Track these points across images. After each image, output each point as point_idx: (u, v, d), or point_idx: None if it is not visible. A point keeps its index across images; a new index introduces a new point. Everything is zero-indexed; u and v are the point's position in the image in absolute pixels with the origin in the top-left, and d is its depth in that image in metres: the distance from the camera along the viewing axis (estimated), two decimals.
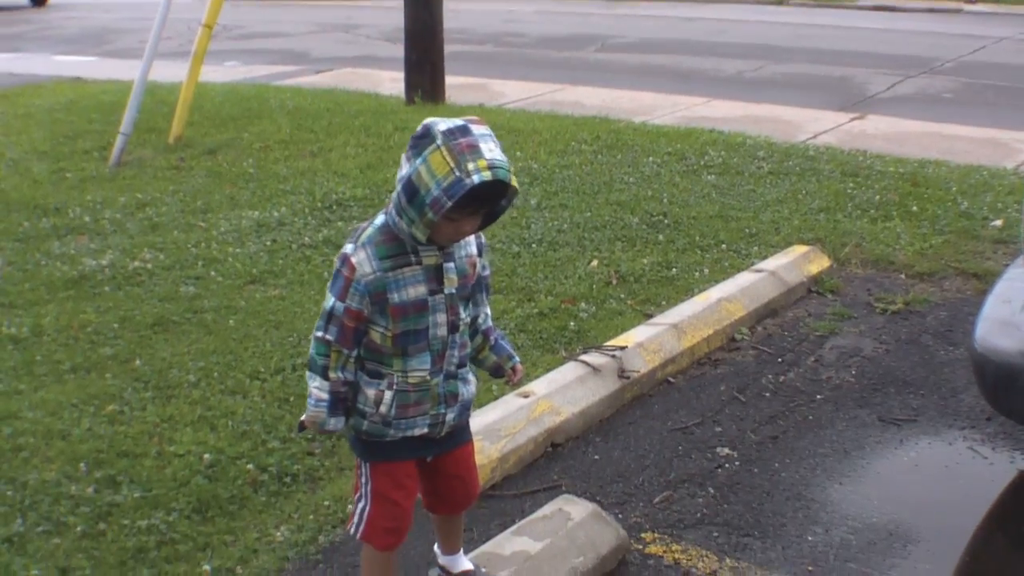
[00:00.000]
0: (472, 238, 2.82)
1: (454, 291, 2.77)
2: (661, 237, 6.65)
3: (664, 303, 5.63)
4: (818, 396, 4.77)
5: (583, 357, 4.81)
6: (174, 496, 3.94)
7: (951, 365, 5.03)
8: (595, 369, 4.71)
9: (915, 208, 7.20)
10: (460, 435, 3.02)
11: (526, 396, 4.45)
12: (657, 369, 4.90)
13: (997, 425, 4.43)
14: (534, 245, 6.48)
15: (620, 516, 3.81)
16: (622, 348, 4.87)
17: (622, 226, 6.86)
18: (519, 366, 3.12)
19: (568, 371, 4.72)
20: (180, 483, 4.02)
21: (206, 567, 3.56)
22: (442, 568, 3.32)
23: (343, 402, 2.83)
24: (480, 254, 2.87)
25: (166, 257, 6.54)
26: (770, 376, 4.97)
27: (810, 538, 3.70)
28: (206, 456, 4.19)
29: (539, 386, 4.57)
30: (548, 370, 4.80)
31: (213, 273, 6.24)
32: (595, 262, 6.23)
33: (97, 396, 4.74)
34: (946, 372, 4.96)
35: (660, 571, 3.54)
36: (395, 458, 2.89)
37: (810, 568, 3.54)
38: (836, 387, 4.85)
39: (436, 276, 2.73)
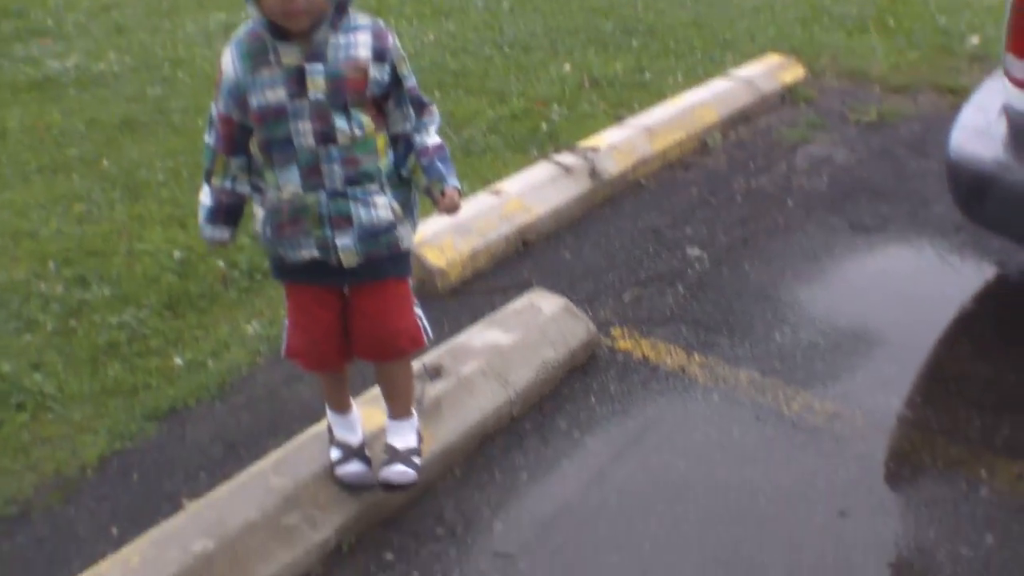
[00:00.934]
0: (366, 39, 2.46)
1: (322, 97, 2.43)
2: (635, 43, 6.53)
3: (636, 107, 5.56)
4: (789, 201, 4.76)
5: (556, 157, 4.76)
6: (144, 293, 3.94)
7: (922, 176, 5.01)
8: (567, 169, 4.66)
9: (892, 23, 7.09)
10: (379, 268, 2.66)
11: (497, 193, 4.42)
12: (628, 171, 4.87)
13: (966, 235, 4.44)
14: (506, 48, 6.35)
15: (590, 312, 3.83)
16: (594, 149, 4.82)
17: (596, 31, 6.73)
18: (450, 190, 2.62)
19: (540, 171, 4.69)
20: (150, 280, 4.02)
21: (178, 360, 3.58)
22: (387, 445, 2.94)
23: (226, 214, 2.64)
24: (380, 59, 2.48)
25: (132, 59, 6.46)
26: (741, 180, 4.95)
27: (778, 337, 3.74)
28: (176, 253, 4.19)
29: (511, 185, 4.54)
30: (520, 170, 4.75)
31: (180, 74, 6.18)
32: (568, 65, 6.11)
33: (65, 196, 4.71)
34: (917, 183, 4.95)
35: (629, 366, 3.57)
36: (300, 281, 2.68)
37: (777, 366, 3.57)
38: (807, 193, 4.84)
39: (297, 78, 2.42)
